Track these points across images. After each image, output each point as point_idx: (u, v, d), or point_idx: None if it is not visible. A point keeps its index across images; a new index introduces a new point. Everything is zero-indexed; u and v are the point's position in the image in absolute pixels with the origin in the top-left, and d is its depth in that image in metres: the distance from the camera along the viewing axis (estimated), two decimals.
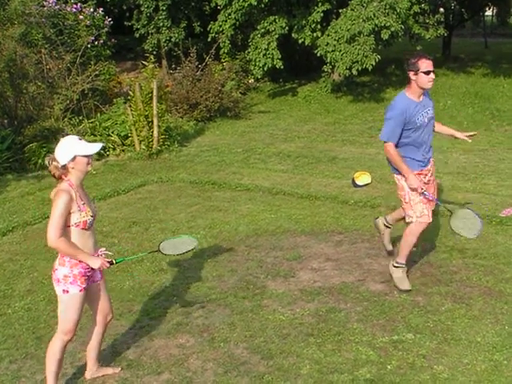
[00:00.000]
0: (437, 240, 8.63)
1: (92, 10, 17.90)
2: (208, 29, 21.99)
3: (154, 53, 21.50)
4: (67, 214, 4.97)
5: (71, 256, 5.02)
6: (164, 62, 24.21)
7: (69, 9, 17.16)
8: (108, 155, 13.78)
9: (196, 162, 13.65)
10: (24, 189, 11.80)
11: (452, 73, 23.87)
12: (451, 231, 7.23)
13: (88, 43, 16.73)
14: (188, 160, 13.83)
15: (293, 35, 20.75)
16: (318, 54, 19.94)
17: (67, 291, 5.12)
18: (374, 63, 18.52)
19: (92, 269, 5.16)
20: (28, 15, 15.60)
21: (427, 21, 21.60)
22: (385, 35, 18.68)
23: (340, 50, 19.06)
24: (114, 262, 5.29)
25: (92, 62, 16.60)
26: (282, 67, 20.79)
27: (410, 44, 22.99)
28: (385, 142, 6.80)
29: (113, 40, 19.15)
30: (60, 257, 5.11)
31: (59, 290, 5.15)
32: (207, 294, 7.17)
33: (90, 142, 5.26)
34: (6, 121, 14.29)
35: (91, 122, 14.82)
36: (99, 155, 13.62)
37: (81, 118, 14.95)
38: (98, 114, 15.53)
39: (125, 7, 24.47)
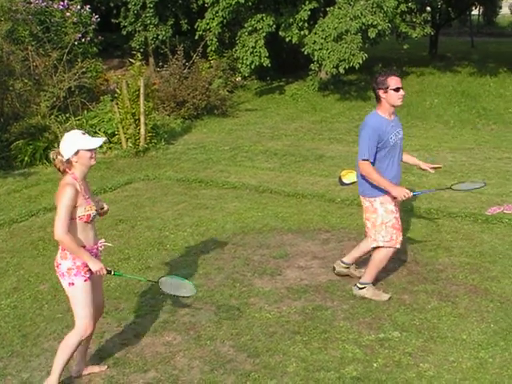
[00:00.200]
0: (423, 238, 8.65)
1: (79, 7, 17.82)
2: (195, 26, 21.97)
3: (141, 50, 21.54)
4: (73, 208, 5.03)
5: (73, 253, 5.07)
6: (151, 60, 24.18)
7: (56, 6, 17.10)
8: (95, 153, 13.70)
9: (183, 159, 13.64)
10: (10, 186, 11.75)
11: (438, 72, 23.95)
12: None
13: (75, 40, 16.67)
14: (175, 158, 13.81)
15: (280, 33, 20.76)
16: (306, 53, 19.97)
17: (73, 283, 5.18)
18: (361, 62, 18.55)
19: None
20: (15, 12, 15.55)
21: (414, 20, 21.66)
22: (372, 34, 18.72)
23: (327, 49, 19.09)
24: (112, 272, 5.36)
25: (79, 60, 16.52)
26: (270, 65, 20.81)
27: (397, 43, 23.06)
28: (361, 160, 6.55)
29: (100, 37, 19.08)
30: (61, 250, 5.17)
31: (65, 283, 5.21)
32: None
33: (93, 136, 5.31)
34: None
35: (78, 120, 14.78)
36: None
37: (67, 115, 14.89)
38: (85, 112, 15.49)
39: (112, 4, 24.40)
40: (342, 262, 7.44)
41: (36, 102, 14.75)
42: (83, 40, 17.50)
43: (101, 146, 5.43)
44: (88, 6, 18.37)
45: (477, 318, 6.43)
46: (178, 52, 18.60)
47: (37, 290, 7.35)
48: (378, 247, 6.84)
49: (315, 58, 19.65)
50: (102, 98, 16.35)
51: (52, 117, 14.47)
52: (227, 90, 20.64)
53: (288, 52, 24.00)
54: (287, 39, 20.68)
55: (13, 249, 8.72)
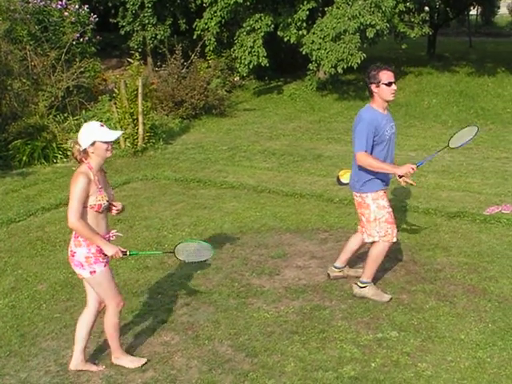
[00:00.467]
0: (421, 238, 8.65)
1: (77, 6, 17.81)
2: (193, 26, 21.95)
3: (140, 50, 21.48)
4: (86, 196, 5.14)
5: (88, 239, 5.19)
6: (149, 60, 24.16)
7: (54, 5, 17.08)
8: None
9: (181, 159, 13.64)
10: (8, 186, 11.74)
11: (437, 71, 23.95)
12: None
13: (73, 40, 16.66)
14: (173, 158, 13.81)
15: (278, 33, 20.75)
16: (304, 52, 19.96)
17: (94, 271, 5.31)
18: (359, 61, 18.55)
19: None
20: (13, 11, 15.53)
21: (412, 19, 21.66)
22: (370, 33, 18.71)
23: (325, 48, 19.08)
24: (128, 253, 5.44)
25: (77, 59, 16.51)
26: (268, 65, 20.79)
27: (395, 42, 23.05)
28: (358, 152, 6.52)
29: (98, 37, 19.07)
30: (74, 238, 5.31)
31: (86, 273, 5.33)
32: (192, 292, 7.17)
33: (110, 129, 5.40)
34: None
35: (76, 119, 14.77)
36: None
37: (66, 115, 14.88)
38: (83, 111, 15.49)
39: (110, 4, 24.36)
40: (335, 267, 7.43)
41: (34, 102, 14.74)
42: (81, 40, 17.49)
43: None
44: (86, 6, 18.36)
45: (475, 317, 6.44)
46: (176, 52, 18.58)
47: (35, 290, 7.35)
48: (375, 242, 6.85)
49: (313, 58, 19.64)
50: (100, 97, 16.36)
51: (50, 116, 14.45)
52: (225, 90, 20.62)
53: (286, 52, 23.98)
54: (285, 39, 20.68)
55: (11, 248, 8.71)
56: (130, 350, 5.95)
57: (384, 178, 6.72)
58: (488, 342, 5.96)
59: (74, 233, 5.31)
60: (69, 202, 5.14)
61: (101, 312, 5.76)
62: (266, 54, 20.46)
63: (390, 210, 6.80)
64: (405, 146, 14.04)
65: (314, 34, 19.68)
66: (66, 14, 17.15)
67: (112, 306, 5.53)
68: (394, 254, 8.07)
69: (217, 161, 13.41)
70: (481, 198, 10.33)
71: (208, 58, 22.02)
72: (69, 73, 15.60)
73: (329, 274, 7.49)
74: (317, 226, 9.22)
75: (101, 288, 5.44)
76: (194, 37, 21.84)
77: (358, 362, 5.67)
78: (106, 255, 5.34)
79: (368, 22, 18.44)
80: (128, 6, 23.06)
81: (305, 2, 20.09)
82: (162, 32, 23.20)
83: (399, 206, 9.76)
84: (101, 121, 14.37)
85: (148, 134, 14.55)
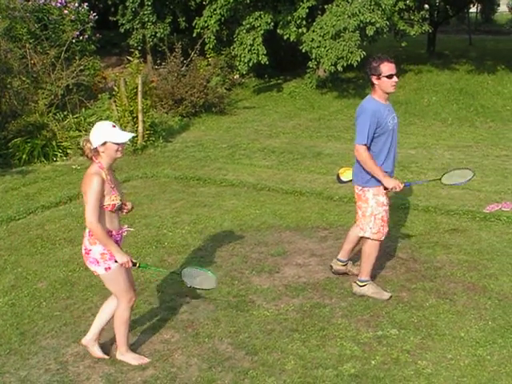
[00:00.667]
0: (421, 236, 8.65)
1: (77, 4, 17.79)
2: (193, 24, 21.94)
3: (139, 48, 21.48)
4: (102, 196, 5.21)
5: (102, 244, 5.23)
6: (149, 58, 24.14)
7: (53, 3, 17.05)
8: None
9: (181, 157, 13.63)
10: (8, 184, 11.74)
11: (436, 69, 23.94)
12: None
13: (73, 38, 16.64)
14: (173, 155, 13.81)
15: (278, 31, 20.74)
16: (304, 50, 19.95)
17: (109, 268, 5.37)
18: (359, 59, 18.53)
19: (118, 244, 5.43)
20: (12, 9, 15.52)
21: (412, 17, 21.67)
22: (370, 31, 18.70)
23: (325, 46, 19.08)
24: (138, 265, 5.48)
25: (77, 57, 16.48)
26: (268, 63, 20.79)
27: (395, 40, 23.04)
28: (358, 144, 6.54)
29: (98, 35, 19.06)
30: (89, 236, 5.32)
31: (101, 269, 5.38)
32: (192, 290, 7.15)
33: (122, 130, 5.58)
34: None
35: (76, 117, 14.75)
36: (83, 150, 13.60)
37: (65, 113, 14.86)
38: (83, 109, 15.47)
39: (110, 2, 24.33)
40: (339, 260, 7.44)
41: (34, 100, 14.72)
42: (81, 38, 17.47)
43: None
44: (86, 4, 18.33)
45: (475, 315, 6.44)
46: (176, 50, 18.58)
47: (35, 288, 7.35)
48: (367, 239, 6.86)
49: (313, 56, 19.64)
50: (99, 95, 16.34)
51: (50, 115, 14.44)
52: (225, 88, 20.63)
53: (286, 50, 23.97)
54: (285, 37, 20.67)
55: (11, 246, 8.71)
56: (130, 348, 5.94)
57: (387, 171, 6.66)
58: (488, 339, 5.96)
59: (87, 231, 5.34)
60: (87, 204, 5.17)
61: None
62: (265, 52, 20.46)
63: (387, 208, 6.80)
64: (405, 144, 14.03)
65: (313, 31, 19.67)
66: (66, 12, 17.13)
67: (124, 302, 5.58)
68: (394, 252, 8.08)
69: (216, 159, 13.41)
70: (481, 195, 10.33)
71: (208, 55, 22.00)
72: (68, 71, 15.58)
73: (331, 266, 7.51)
74: (316, 224, 9.22)
75: (114, 284, 5.50)
76: (194, 35, 21.82)
77: (358, 360, 5.67)
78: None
79: (368, 20, 18.44)
80: (128, 3, 23.04)
81: (304, 0, 20.08)
82: (161, 30, 23.18)
83: (399, 204, 9.76)
84: (100, 119, 14.39)
85: (148, 132, 14.55)
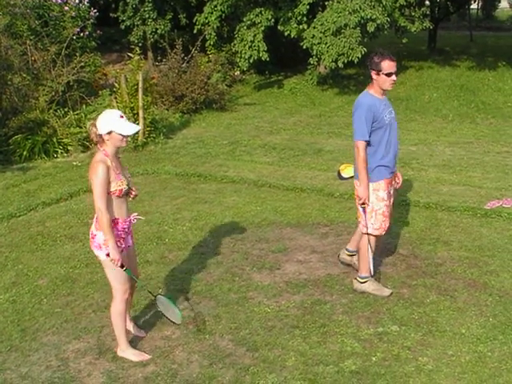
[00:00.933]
0: (422, 232, 8.65)
1: (77, 1, 17.73)
2: (194, 21, 21.92)
3: (140, 45, 21.43)
4: (108, 183, 5.31)
5: (103, 232, 5.33)
6: (150, 54, 24.15)
7: (54, 0, 17.04)
8: (93, 147, 13.71)
9: (182, 154, 13.63)
10: (9, 181, 11.74)
11: (437, 66, 23.93)
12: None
13: (73, 35, 16.61)
14: (174, 152, 13.80)
15: (279, 27, 20.72)
16: (304, 47, 19.93)
17: (109, 254, 5.39)
18: (359, 56, 18.52)
19: (126, 232, 5.58)
20: (13, 6, 15.49)
21: (413, 14, 21.64)
22: (371, 28, 18.69)
23: (326, 43, 19.06)
24: (125, 269, 5.51)
25: (77, 54, 16.46)
26: (268, 59, 20.78)
27: (396, 37, 23.03)
28: (358, 140, 6.54)
29: (98, 32, 19.00)
30: (96, 222, 5.41)
31: (102, 254, 5.44)
32: (193, 286, 7.16)
33: (129, 121, 5.62)
34: None
35: (77, 114, 14.73)
36: (84, 147, 13.60)
37: (66, 109, 14.84)
38: (84, 106, 15.45)
39: None
40: (347, 250, 7.47)
41: (34, 97, 14.71)
42: (82, 34, 17.44)
43: None
44: (86, 0, 18.28)
45: (475, 311, 6.44)
46: (177, 46, 18.55)
47: (35, 285, 7.35)
48: (363, 235, 6.88)
49: (314, 52, 19.62)
50: (100, 92, 16.33)
51: (51, 111, 14.43)
52: (226, 85, 20.60)
53: (287, 46, 23.96)
54: (286, 33, 20.65)
55: (11, 243, 8.71)
56: (131, 345, 5.94)
57: (388, 166, 6.69)
58: (489, 336, 5.96)
59: (95, 217, 5.42)
60: (93, 193, 5.28)
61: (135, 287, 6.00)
62: (266, 49, 20.44)
63: (388, 202, 6.80)
64: (405, 141, 14.02)
65: (314, 28, 19.65)
66: (67, 8, 17.09)
67: (119, 293, 5.62)
68: (394, 249, 8.08)
69: (217, 155, 13.40)
70: (481, 192, 10.33)
71: (208, 52, 22.00)
72: (69, 67, 15.55)
73: (339, 255, 7.56)
74: (317, 221, 9.21)
75: (113, 272, 5.53)
76: (195, 31, 21.82)
77: (359, 356, 5.68)
78: (124, 241, 5.54)
79: (369, 16, 18.42)
80: (128, 0, 23.04)
81: None
82: (162, 26, 23.19)
83: (400, 201, 9.76)
84: None
85: (148, 129, 14.55)
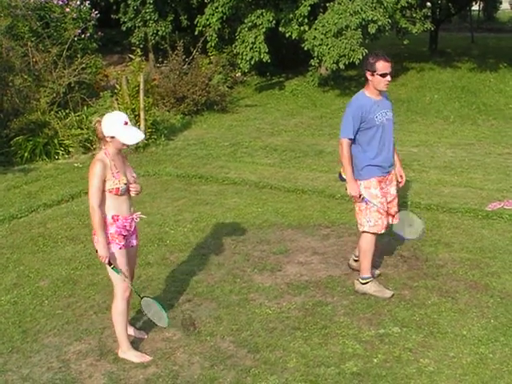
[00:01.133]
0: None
1: (79, 2, 17.76)
2: (195, 22, 21.92)
3: (141, 46, 21.44)
4: (102, 181, 5.40)
5: (94, 228, 5.44)
6: (151, 56, 24.15)
7: (55, 1, 17.03)
8: (95, 148, 13.73)
9: (183, 155, 13.63)
10: (10, 182, 11.75)
11: (439, 67, 23.90)
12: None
13: (75, 36, 16.63)
14: (175, 154, 13.81)
15: (280, 29, 20.71)
16: (305, 48, 19.92)
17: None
18: (361, 57, 18.46)
19: (127, 230, 5.65)
20: (14, 8, 15.52)
21: (414, 15, 21.61)
22: (372, 29, 18.68)
23: (327, 44, 19.05)
24: (112, 266, 5.55)
25: (79, 55, 16.48)
26: (269, 61, 20.76)
27: (397, 38, 23.02)
28: (341, 138, 6.67)
29: (99, 33, 19.03)
30: None
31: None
32: (194, 288, 7.17)
33: (134, 127, 5.70)
34: None
35: (78, 116, 14.74)
36: (85, 148, 13.61)
37: (67, 111, 14.85)
38: (85, 108, 15.46)
39: (111, 0, 24.34)
40: (354, 255, 7.49)
41: (36, 98, 14.73)
42: (83, 36, 17.46)
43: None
44: (88, 2, 18.31)
45: (477, 313, 6.43)
46: (178, 48, 18.57)
47: (37, 286, 7.36)
48: (362, 234, 6.92)
49: (315, 54, 19.61)
50: (101, 93, 16.32)
51: (52, 113, 14.44)
52: (227, 86, 20.59)
53: (288, 48, 23.93)
54: (287, 35, 20.64)
55: (13, 245, 8.72)
56: (132, 346, 5.94)
57: (381, 165, 6.75)
58: (490, 337, 5.96)
59: None
60: (88, 189, 5.43)
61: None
62: (267, 50, 20.43)
63: (384, 199, 6.82)
64: (406, 142, 14.02)
65: (315, 29, 19.64)
66: (68, 10, 17.11)
67: (120, 290, 5.65)
68: (396, 250, 8.08)
69: (218, 157, 13.40)
70: (483, 193, 10.32)
71: (209, 53, 22.00)
72: (70, 69, 15.56)
73: (349, 262, 7.59)
74: (319, 222, 9.21)
75: (110, 270, 5.59)
76: (196, 33, 21.81)
77: (360, 358, 5.67)
78: (124, 238, 5.60)
79: (370, 18, 18.41)
80: (129, 1, 23.05)
81: None
82: (163, 28, 23.19)
83: (401, 202, 9.73)
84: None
85: (150, 130, 14.54)
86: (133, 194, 5.71)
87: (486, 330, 6.09)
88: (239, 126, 17.04)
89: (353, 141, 6.69)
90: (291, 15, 20.23)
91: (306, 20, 20.15)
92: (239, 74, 22.60)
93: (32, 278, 7.60)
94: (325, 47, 19.10)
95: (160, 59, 21.22)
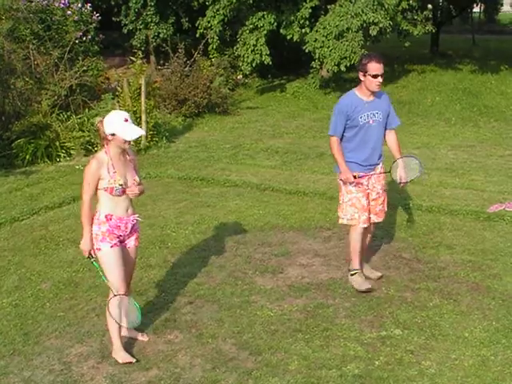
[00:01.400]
0: (425, 236, 8.64)
1: (80, 5, 17.79)
2: (196, 25, 21.95)
3: (142, 49, 21.47)
4: (96, 179, 5.50)
5: (82, 221, 5.54)
6: (152, 58, 24.17)
7: (57, 4, 17.05)
8: (96, 150, 13.71)
9: (184, 157, 13.63)
10: (12, 185, 11.75)
11: (440, 69, 23.91)
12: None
13: (76, 39, 16.64)
14: (176, 156, 13.80)
15: (281, 31, 20.74)
16: (307, 50, 19.96)
17: (99, 249, 5.60)
18: None
19: (122, 230, 5.68)
20: (16, 10, 15.53)
21: (415, 17, 21.63)
22: (373, 31, 18.72)
23: (328, 46, 19.08)
24: (92, 261, 5.66)
25: (80, 58, 16.48)
26: (271, 63, 20.80)
27: (398, 40, 23.02)
28: (329, 135, 7.07)
29: (101, 36, 19.05)
30: (93, 216, 5.57)
31: (94, 248, 5.59)
32: (195, 290, 7.16)
33: (135, 124, 5.70)
34: None
35: (79, 118, 14.73)
36: (87, 151, 13.60)
37: (69, 113, 14.86)
38: (86, 110, 15.45)
39: (113, 3, 24.39)
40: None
41: (37, 101, 14.73)
42: (84, 38, 17.47)
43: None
44: (89, 5, 18.34)
45: (479, 315, 6.43)
46: (179, 50, 18.59)
47: (38, 289, 7.35)
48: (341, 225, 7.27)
49: (316, 56, 19.65)
50: (103, 96, 16.31)
51: (53, 115, 14.44)
52: (228, 88, 20.60)
53: (289, 50, 23.94)
54: (288, 37, 20.67)
55: (14, 247, 8.72)
56: (133, 349, 5.95)
57: (361, 162, 6.95)
58: (492, 339, 5.95)
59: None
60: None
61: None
62: (268, 52, 20.47)
63: (361, 195, 6.98)
64: (408, 144, 14.02)
65: (316, 31, 19.68)
66: (69, 12, 17.13)
67: (114, 288, 5.66)
68: (397, 252, 8.08)
69: (220, 159, 13.40)
70: (484, 195, 10.32)
71: (211, 56, 22.00)
72: (72, 71, 15.58)
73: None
74: (320, 224, 9.21)
75: (104, 267, 5.65)
76: (197, 35, 21.83)
77: (362, 360, 5.67)
78: (118, 237, 5.63)
79: (371, 20, 18.44)
80: (131, 4, 23.11)
81: (307, 0, 20.10)
82: (164, 30, 23.23)
83: (402, 204, 9.76)
84: None
85: (151, 133, 14.55)
86: (131, 196, 5.70)
87: (487, 332, 6.09)
88: (240, 128, 17.05)
89: (341, 136, 7.00)
90: (292, 17, 20.27)
91: (307, 22, 20.21)
92: (240, 76, 22.63)
93: (33, 280, 7.59)
94: (326, 49, 19.13)
95: (161, 61, 21.28)
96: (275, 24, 20.48)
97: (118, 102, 14.65)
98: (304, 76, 23.11)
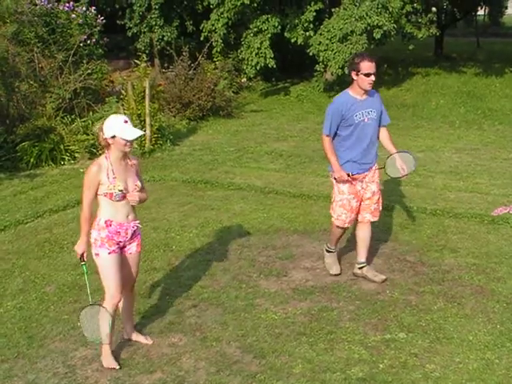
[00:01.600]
0: (429, 239, 8.63)
1: (84, 8, 17.77)
2: (201, 28, 21.98)
3: (147, 52, 21.54)
4: (95, 184, 5.47)
5: (81, 227, 5.59)
6: (156, 61, 24.20)
7: (61, 7, 17.06)
8: (100, 154, 13.68)
9: (188, 161, 13.64)
10: (16, 188, 11.76)
11: (444, 72, 23.91)
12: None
13: (80, 42, 16.63)
14: (180, 159, 13.81)
15: (285, 34, 20.76)
16: (311, 53, 19.99)
17: (98, 254, 5.60)
18: None
19: (122, 236, 5.65)
20: (20, 14, 15.53)
21: (419, 20, 21.64)
22: (377, 34, 18.73)
23: (332, 49, 19.10)
24: (82, 263, 5.70)
25: (84, 61, 16.49)
26: (275, 66, 20.82)
27: (403, 43, 23.03)
28: (325, 135, 7.08)
29: (105, 39, 19.03)
30: (94, 221, 5.58)
31: (93, 253, 5.61)
32: (199, 293, 7.16)
33: (134, 126, 5.71)
34: None
35: (84, 121, 14.74)
36: (91, 154, 13.61)
37: (73, 116, 14.86)
38: (91, 113, 15.46)
39: (117, 6, 24.42)
40: (357, 263, 7.52)
41: (42, 104, 14.75)
42: (88, 41, 17.46)
43: None
44: (93, 8, 18.34)
45: (483, 318, 6.42)
46: (184, 53, 18.60)
47: (43, 292, 7.36)
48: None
49: (320, 59, 19.67)
50: (107, 99, 16.32)
51: (58, 118, 14.46)
52: (232, 91, 20.63)
53: (293, 53, 23.99)
54: (292, 40, 20.69)
55: (19, 250, 8.72)
56: (137, 352, 5.95)
57: (352, 161, 7.05)
58: (496, 343, 5.95)
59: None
60: None
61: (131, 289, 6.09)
62: (272, 56, 20.50)
63: (352, 197, 7.12)
64: (412, 147, 14.00)
65: (320, 35, 19.70)
66: (74, 16, 17.13)
67: (107, 296, 5.69)
68: (401, 255, 8.07)
69: (224, 162, 13.41)
70: (489, 198, 10.32)
71: (215, 59, 22.02)
72: (76, 75, 15.58)
73: (354, 272, 7.62)
74: (324, 227, 9.19)
75: (101, 273, 5.67)
76: (201, 38, 21.87)
77: (366, 364, 5.67)
78: (117, 243, 5.62)
79: (375, 23, 18.47)
80: (135, 7, 23.14)
81: (312, 3, 20.12)
82: (168, 33, 23.26)
83: (406, 207, 9.76)
84: None
85: (155, 136, 14.56)
86: (132, 203, 5.67)
87: (492, 336, 6.08)
88: (245, 131, 17.05)
89: (334, 135, 7.07)
90: (296, 21, 20.29)
91: (311, 25, 20.24)
92: (245, 79, 22.64)
93: (38, 283, 7.60)
94: (330, 52, 19.15)
95: (165, 65, 21.24)
96: (279, 27, 20.51)
97: (123, 105, 14.66)
98: (308, 79, 23.14)
